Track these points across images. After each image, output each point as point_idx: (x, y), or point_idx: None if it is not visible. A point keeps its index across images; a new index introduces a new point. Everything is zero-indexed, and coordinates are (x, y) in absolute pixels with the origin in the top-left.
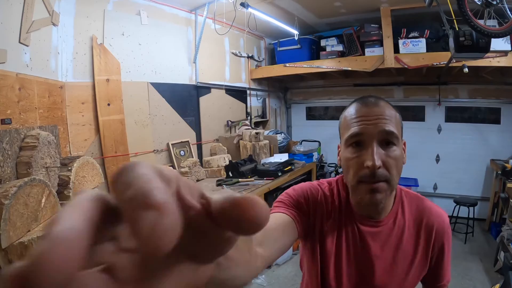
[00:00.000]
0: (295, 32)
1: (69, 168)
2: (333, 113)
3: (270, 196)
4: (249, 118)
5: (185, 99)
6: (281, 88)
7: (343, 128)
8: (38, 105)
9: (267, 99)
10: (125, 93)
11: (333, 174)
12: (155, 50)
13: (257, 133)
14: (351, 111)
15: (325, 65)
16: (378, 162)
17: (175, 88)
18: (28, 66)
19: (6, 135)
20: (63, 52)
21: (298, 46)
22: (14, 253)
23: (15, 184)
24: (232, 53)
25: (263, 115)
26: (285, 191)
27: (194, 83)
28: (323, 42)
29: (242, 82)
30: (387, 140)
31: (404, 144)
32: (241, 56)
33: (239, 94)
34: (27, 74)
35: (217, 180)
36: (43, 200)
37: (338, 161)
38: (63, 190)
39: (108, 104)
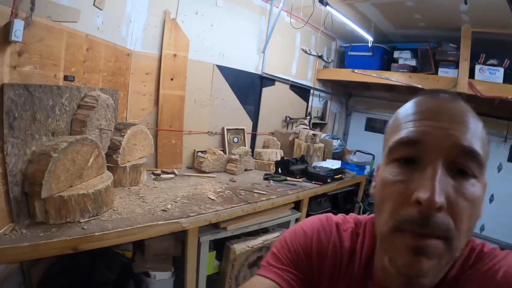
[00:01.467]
0: (369, 38)
1: (122, 134)
2: None
3: (314, 201)
4: (309, 118)
5: (247, 87)
6: (344, 94)
7: (390, 132)
8: (103, 68)
9: (329, 102)
10: (189, 70)
11: None
12: (226, 34)
13: (314, 135)
14: (408, 107)
15: (395, 78)
16: (440, 198)
17: (239, 75)
18: (99, 29)
19: (67, 91)
20: (135, 22)
21: (370, 53)
22: (52, 205)
23: (66, 140)
24: (302, 49)
25: (322, 117)
26: (285, 233)
27: (259, 72)
28: (396, 54)
29: (307, 80)
30: (463, 165)
31: (485, 185)
32: (310, 54)
33: (302, 91)
34: (96, 37)
35: (265, 174)
36: (91, 160)
37: (372, 190)
38: (112, 154)
39: (171, 79)
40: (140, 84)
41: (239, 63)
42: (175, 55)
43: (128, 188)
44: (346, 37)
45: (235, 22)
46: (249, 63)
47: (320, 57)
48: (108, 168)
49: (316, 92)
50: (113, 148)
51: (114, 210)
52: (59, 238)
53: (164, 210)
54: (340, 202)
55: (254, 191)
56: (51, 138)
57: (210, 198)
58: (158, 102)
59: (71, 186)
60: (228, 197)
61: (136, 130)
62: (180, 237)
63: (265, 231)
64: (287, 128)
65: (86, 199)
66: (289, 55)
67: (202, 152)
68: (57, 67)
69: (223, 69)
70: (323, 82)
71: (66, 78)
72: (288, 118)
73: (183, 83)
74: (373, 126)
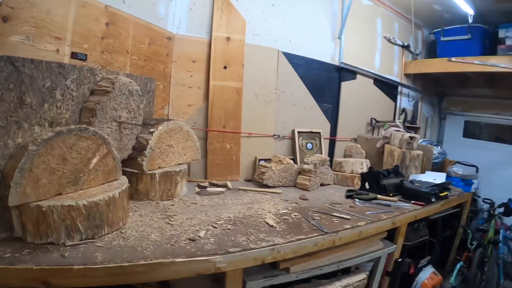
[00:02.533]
0: (469, 11)
1: (152, 130)
2: (499, 133)
3: (409, 227)
4: (402, 118)
5: (323, 80)
6: (436, 93)
7: None
8: (132, 50)
9: (419, 103)
10: (248, 57)
11: (486, 214)
12: (292, 15)
13: (411, 138)
14: None
15: (504, 63)
16: None
17: (312, 65)
18: (124, 2)
19: (74, 72)
20: (177, 1)
21: (468, 36)
22: (29, 217)
23: (54, 129)
24: (385, 37)
25: (413, 120)
26: None
27: (336, 63)
28: (502, 33)
29: (394, 75)
30: None
31: None
32: (395, 44)
33: (388, 88)
34: (121, 11)
35: (348, 190)
36: (95, 160)
37: None
38: (136, 156)
39: (225, 67)
40: (185, 74)
41: (311, 50)
42: (228, 39)
43: (157, 203)
44: (434, 21)
45: (302, 2)
46: (323, 51)
47: (406, 47)
48: (129, 174)
49: (405, 91)
50: (139, 149)
51: (122, 232)
52: (25, 265)
53: (192, 240)
54: (438, 227)
55: (333, 214)
56: (47, 129)
57: (267, 224)
58: (208, 96)
59: (60, 194)
60: (295, 222)
61: (172, 127)
62: (219, 277)
63: (345, 271)
64: (372, 133)
65: (74, 213)
66: (369, 44)
67: (265, 160)
68: (61, 41)
69: (291, 57)
70: (412, 78)
71: (74, 55)
72: (374, 121)
73: (240, 73)
74: (472, 131)
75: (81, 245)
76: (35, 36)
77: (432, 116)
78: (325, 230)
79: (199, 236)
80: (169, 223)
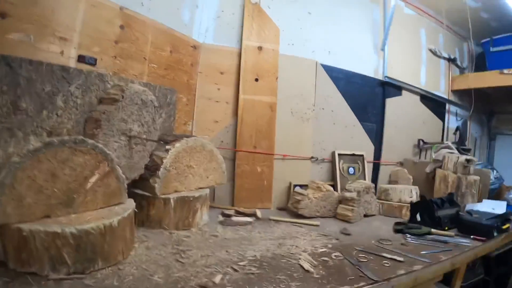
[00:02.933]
0: None
1: (168, 148)
2: None
3: (467, 267)
4: (454, 139)
5: (366, 96)
6: (485, 111)
7: None
8: (151, 57)
9: (468, 122)
10: (282, 69)
11: None
12: (330, 24)
13: (468, 161)
14: None
15: None
16: None
17: (354, 78)
18: (143, 4)
19: (80, 77)
20: (204, 7)
21: None
22: (10, 240)
23: (44, 140)
24: (430, 50)
25: (462, 141)
26: None
27: (380, 77)
28: None
29: (441, 91)
30: None
31: None
32: (440, 57)
33: (436, 106)
34: (139, 13)
35: (396, 223)
36: (93, 179)
37: None
38: (149, 177)
39: (256, 80)
40: (212, 86)
41: (351, 63)
42: (260, 48)
43: (170, 233)
44: (480, 31)
45: (340, 10)
46: (365, 64)
47: (453, 60)
48: (140, 197)
49: (452, 109)
50: (152, 169)
51: (119, 269)
52: None
53: (203, 287)
54: (493, 264)
55: (383, 254)
56: (45, 139)
57: (302, 268)
58: (238, 111)
59: (48, 217)
60: (337, 266)
61: (192, 145)
62: None
63: None
64: (419, 156)
65: (60, 242)
66: (414, 57)
67: (301, 186)
68: (67, 42)
69: (330, 70)
70: (459, 94)
71: (82, 59)
72: (421, 142)
73: (274, 86)
74: None
75: (67, 280)
76: (36, 35)
77: (480, 137)
78: (375, 278)
79: (213, 282)
80: (179, 261)
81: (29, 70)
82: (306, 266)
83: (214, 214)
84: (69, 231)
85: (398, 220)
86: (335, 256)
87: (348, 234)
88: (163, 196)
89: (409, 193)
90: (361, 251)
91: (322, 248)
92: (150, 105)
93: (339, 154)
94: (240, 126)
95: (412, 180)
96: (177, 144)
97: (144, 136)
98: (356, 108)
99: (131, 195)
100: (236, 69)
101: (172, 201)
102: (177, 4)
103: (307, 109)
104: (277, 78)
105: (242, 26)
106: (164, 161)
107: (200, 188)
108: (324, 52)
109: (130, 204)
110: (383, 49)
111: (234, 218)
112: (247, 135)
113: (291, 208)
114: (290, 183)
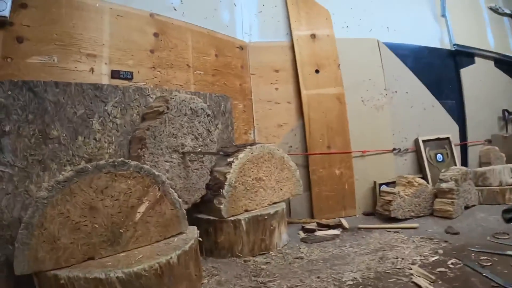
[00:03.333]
0: None
1: (230, 160)
2: None
3: None
4: None
5: (437, 70)
6: None
7: None
8: (195, 63)
9: None
10: (342, 54)
11: None
12: None
13: None
14: None
15: None
16: None
17: (421, 53)
18: (175, 9)
19: (116, 93)
20: (243, 4)
21: None
22: (46, 285)
23: (76, 168)
24: (491, 8)
25: None
26: None
27: (447, 47)
28: None
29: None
30: None
31: None
32: (502, 14)
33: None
34: (173, 18)
35: (505, 211)
36: (142, 209)
37: None
38: (212, 197)
39: (317, 71)
40: (268, 87)
41: (413, 36)
42: (313, 36)
43: (245, 261)
44: None
45: None
46: (427, 35)
47: None
48: (205, 222)
49: None
50: (215, 188)
51: None
52: None
53: None
54: None
55: (508, 253)
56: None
57: (416, 286)
58: (303, 110)
59: (91, 259)
60: (459, 277)
61: (258, 154)
62: None
63: None
64: (506, 129)
65: None
66: (476, 19)
67: (387, 184)
68: (96, 58)
69: (394, 48)
70: None
71: (115, 74)
72: (506, 113)
73: (337, 75)
74: None
75: None
76: (60, 55)
77: None
78: None
79: None
80: None
81: (55, 93)
82: (423, 284)
83: (294, 231)
84: (115, 275)
85: (504, 206)
86: (452, 264)
87: (456, 233)
88: (231, 218)
89: (509, 172)
90: (479, 252)
91: (433, 256)
92: (202, 114)
93: (423, 141)
94: (308, 126)
95: (505, 158)
96: (241, 155)
97: (203, 151)
98: (431, 85)
99: (193, 221)
100: (292, 64)
101: (243, 222)
102: (213, 5)
103: (379, 94)
104: (339, 66)
105: (288, 17)
106: (228, 176)
107: (274, 203)
108: (382, 29)
109: (192, 233)
110: (443, 15)
111: (318, 233)
112: (318, 135)
113: (380, 212)
114: (375, 183)
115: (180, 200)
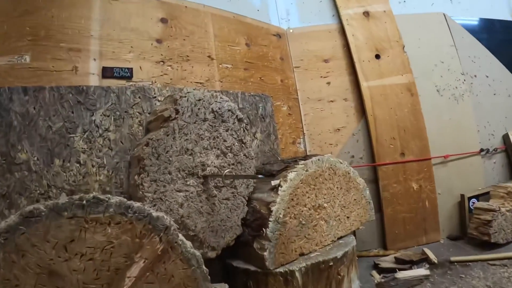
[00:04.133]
0: None
1: (276, 184)
2: None
3: None
4: None
5: None
6: None
7: None
8: (220, 54)
9: None
10: (404, 34)
11: None
12: None
13: None
14: None
15: None
16: None
17: (493, 27)
18: None
19: (107, 98)
20: None
21: None
22: None
23: (23, 212)
24: None
25: None
26: None
27: None
28: None
29: None
30: None
31: None
32: None
33: None
34: (186, 0)
35: None
36: (135, 272)
37: None
38: (251, 239)
39: (377, 56)
40: (318, 81)
41: (480, 7)
42: (366, 14)
43: None
44: None
45: None
46: (496, 6)
47: None
48: (242, 274)
49: None
50: (254, 225)
51: None
52: None
53: None
54: None
55: None
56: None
57: None
58: (365, 108)
59: None
60: None
61: (314, 172)
62: None
63: None
64: None
65: None
66: None
67: (476, 197)
68: (81, 53)
69: (465, 23)
70: None
71: (107, 72)
72: None
73: (403, 59)
74: None
75: None
76: (34, 52)
77: None
78: None
79: None
80: None
81: (23, 102)
82: None
83: (364, 271)
84: None
85: None
86: None
87: None
88: (280, 270)
89: None
90: None
91: None
92: (230, 119)
93: None
94: (374, 128)
95: None
96: (291, 175)
97: (229, 171)
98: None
99: (225, 270)
100: (345, 51)
101: (298, 274)
102: None
103: (456, 81)
104: (403, 48)
105: None
106: (274, 208)
107: (340, 237)
108: (445, 1)
109: None
110: None
111: (400, 274)
112: (387, 138)
113: (475, 235)
114: (462, 197)
115: (197, 253)
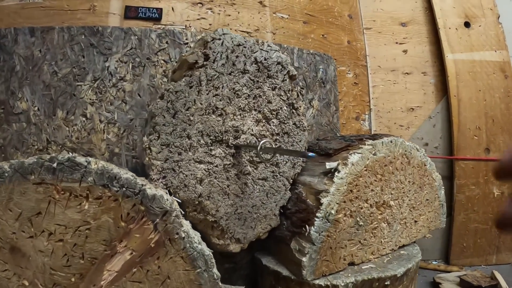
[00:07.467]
0: None
1: (331, 167)
2: None
3: None
4: None
5: None
6: None
7: None
8: (274, 1)
9: None
10: (500, 3)
11: None
12: None
13: None
14: None
15: None
16: None
17: None
18: None
19: (127, 40)
20: None
21: None
22: None
23: None
24: None
25: None
26: None
27: None
28: None
29: None
30: None
31: None
32: None
33: None
34: None
35: None
36: (117, 266)
37: None
38: (288, 235)
39: (466, 24)
40: (392, 48)
41: None
42: None
43: None
44: None
45: None
46: None
47: None
48: (267, 273)
49: None
50: (294, 218)
51: None
52: None
53: None
54: None
55: None
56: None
57: None
58: (448, 86)
59: None
60: None
61: (383, 157)
62: None
63: None
64: None
65: None
66: None
67: None
68: None
69: None
70: None
71: (131, 12)
72: None
73: (498, 32)
74: None
75: None
76: None
77: None
78: None
79: None
80: None
81: (29, 44)
82: None
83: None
84: None
85: None
86: None
87: None
88: (321, 282)
89: None
90: None
91: None
92: (279, 74)
93: None
94: (457, 113)
95: None
96: (354, 158)
97: (272, 143)
98: None
99: (252, 265)
100: (426, 14)
101: None
102: None
103: None
104: (498, 18)
105: None
106: (325, 200)
107: (401, 246)
108: None
109: None
110: None
111: None
112: (471, 128)
113: None
114: None
115: (206, 252)
